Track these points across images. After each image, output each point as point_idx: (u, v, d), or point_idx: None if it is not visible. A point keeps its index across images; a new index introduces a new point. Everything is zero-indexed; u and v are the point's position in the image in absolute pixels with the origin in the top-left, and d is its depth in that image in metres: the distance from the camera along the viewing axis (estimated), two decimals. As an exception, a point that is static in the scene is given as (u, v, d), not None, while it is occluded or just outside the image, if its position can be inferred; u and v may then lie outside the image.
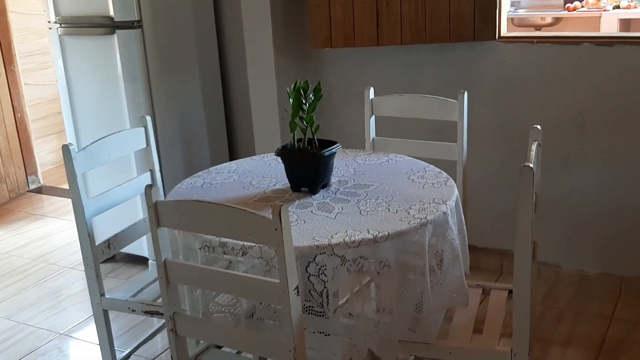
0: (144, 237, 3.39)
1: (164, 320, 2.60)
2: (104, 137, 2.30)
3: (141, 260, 3.51)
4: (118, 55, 3.17)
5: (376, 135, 2.71)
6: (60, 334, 2.96)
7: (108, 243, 2.29)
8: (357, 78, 3.34)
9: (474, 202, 3.05)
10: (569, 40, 2.90)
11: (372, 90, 2.69)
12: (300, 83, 2.05)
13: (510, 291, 2.14)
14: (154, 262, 3.43)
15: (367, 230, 1.77)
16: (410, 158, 2.37)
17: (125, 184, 2.41)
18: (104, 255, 2.27)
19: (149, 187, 1.68)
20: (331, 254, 1.72)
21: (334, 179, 2.16)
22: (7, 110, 4.77)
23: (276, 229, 1.51)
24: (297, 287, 1.57)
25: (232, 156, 3.77)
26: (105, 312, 2.28)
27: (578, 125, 2.96)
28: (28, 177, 4.99)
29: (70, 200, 4.75)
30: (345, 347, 1.79)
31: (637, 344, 2.63)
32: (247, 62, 3.28)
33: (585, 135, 2.96)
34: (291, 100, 2.06)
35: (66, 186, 5.07)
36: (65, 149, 2.13)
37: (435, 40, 3.01)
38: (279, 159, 2.42)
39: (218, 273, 1.67)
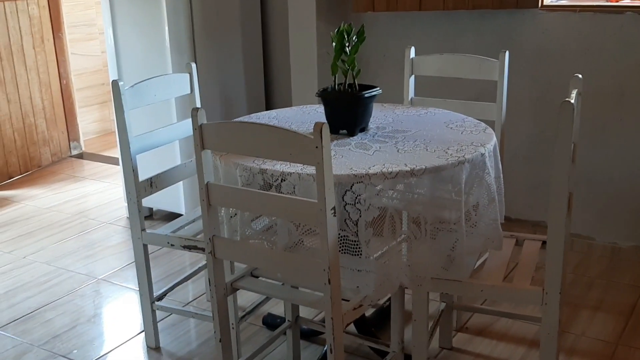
0: (182, 195, 3.51)
1: (199, 266, 2.68)
2: (151, 78, 2.37)
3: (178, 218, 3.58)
4: (165, 11, 3.26)
5: (415, 95, 2.74)
6: (98, 279, 3.05)
7: (150, 181, 2.36)
8: (396, 45, 3.37)
9: (508, 172, 3.05)
10: (611, 9, 2.89)
11: (412, 49, 2.72)
12: (343, 26, 2.10)
13: (544, 242, 2.15)
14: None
15: (405, 164, 1.80)
16: (448, 111, 2.39)
17: (169, 126, 2.48)
18: (146, 193, 2.34)
19: (195, 110, 1.75)
20: (368, 184, 1.76)
21: (371, 125, 2.20)
22: (53, 75, 4.90)
23: (317, 147, 1.55)
24: (334, 208, 1.61)
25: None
26: (145, 247, 2.35)
27: (617, 96, 2.95)
28: (70, 142, 5.13)
29: (110, 165, 4.90)
30: (378, 280, 1.83)
31: (669, 313, 2.61)
32: (289, 22, 3.33)
33: (624, 106, 2.95)
34: (334, 44, 2.10)
35: (108, 153, 5.23)
36: (115, 84, 2.20)
37: (477, 6, 3.03)
38: (318, 109, 2.48)
39: (257, 194, 1.72)
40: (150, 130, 2.40)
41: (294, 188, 1.78)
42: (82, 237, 3.54)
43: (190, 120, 2.53)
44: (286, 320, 2.29)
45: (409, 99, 2.74)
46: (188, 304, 2.80)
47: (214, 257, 1.84)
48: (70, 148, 5.13)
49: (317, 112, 2.43)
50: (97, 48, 5.69)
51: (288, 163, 1.80)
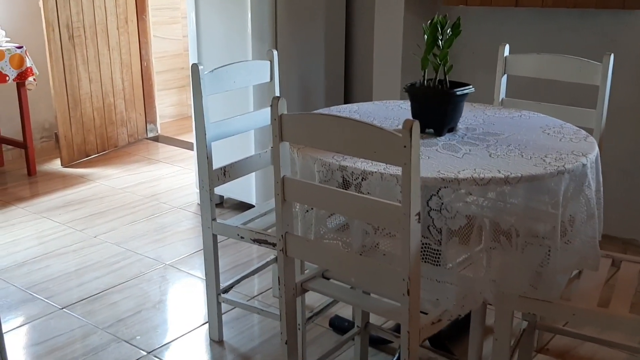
0: (253, 185, 3.44)
1: (266, 260, 2.60)
2: (231, 64, 2.29)
3: (248, 208, 3.51)
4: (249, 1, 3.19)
5: (506, 96, 2.57)
6: (166, 264, 3.01)
7: (224, 170, 2.29)
8: (487, 42, 3.19)
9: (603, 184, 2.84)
10: None
11: (507, 47, 2.55)
12: (438, 18, 1.96)
13: (644, 265, 1.95)
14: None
15: (498, 170, 1.65)
16: (544, 115, 2.21)
17: (246, 114, 2.41)
18: (219, 181, 2.27)
19: (275, 99, 1.64)
20: (457, 190, 1.62)
21: (460, 126, 2.05)
22: (135, 57, 4.94)
23: (405, 147, 1.42)
24: (418, 213, 1.48)
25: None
26: (214, 237, 2.28)
27: None
28: (147, 125, 5.17)
29: (184, 150, 4.91)
30: (460, 294, 1.69)
31: None
32: (375, 14, 3.20)
33: None
34: (426, 36, 1.97)
35: (183, 137, 5.25)
36: (194, 68, 2.13)
37: (579, 5, 2.81)
38: (401, 105, 2.35)
39: (336, 192, 1.61)
40: (227, 117, 2.33)
41: (375, 188, 1.66)
42: (152, 221, 3.53)
43: (268, 109, 2.48)
44: (355, 326, 2.18)
45: (500, 99, 2.56)
46: (253, 297, 2.73)
47: (285, 255, 1.74)
48: (146, 130, 5.17)
49: (400, 108, 2.30)
50: (179, 32, 5.72)
51: (369, 161, 1.68)
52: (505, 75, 2.55)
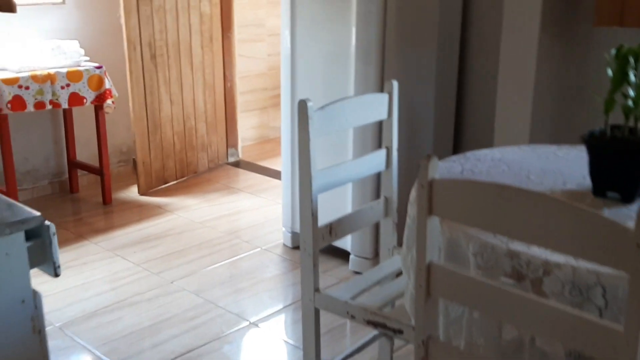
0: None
1: (372, 334, 2.15)
2: (344, 99, 1.87)
3: (340, 254, 3.09)
4: (354, 15, 2.77)
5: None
6: (250, 322, 2.61)
7: (330, 227, 1.86)
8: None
9: None
10: None
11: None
12: (628, 48, 1.47)
13: None
14: (355, 257, 3.00)
15: None
16: None
17: (357, 160, 1.98)
18: (324, 242, 1.84)
19: (426, 158, 1.20)
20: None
21: (650, 188, 1.55)
22: (218, 77, 4.62)
23: (639, 245, 0.95)
24: (649, 341, 1.00)
25: (456, 148, 3.21)
26: (317, 312, 1.85)
27: None
28: (228, 149, 4.83)
29: (266, 177, 4.53)
30: None
31: None
32: (502, 36, 2.72)
33: None
34: (610, 72, 1.49)
35: (264, 164, 4.88)
36: (302, 104, 1.72)
37: None
38: (557, 152, 1.87)
39: (515, 296, 1.14)
40: (335, 164, 1.90)
41: (562, 287, 1.19)
42: (234, 264, 3.15)
43: (382, 151, 2.04)
44: None
45: (673, 145, 2.03)
46: (354, 374, 2.28)
47: (426, 366, 1.29)
48: (227, 155, 4.83)
49: (557, 157, 1.82)
50: (263, 50, 5.38)
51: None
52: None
